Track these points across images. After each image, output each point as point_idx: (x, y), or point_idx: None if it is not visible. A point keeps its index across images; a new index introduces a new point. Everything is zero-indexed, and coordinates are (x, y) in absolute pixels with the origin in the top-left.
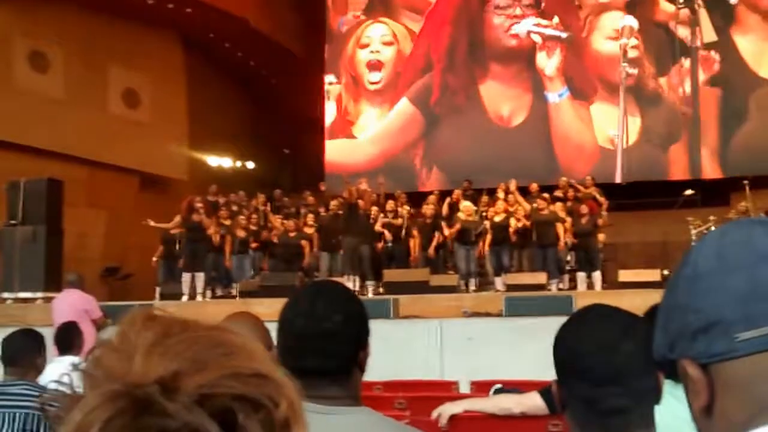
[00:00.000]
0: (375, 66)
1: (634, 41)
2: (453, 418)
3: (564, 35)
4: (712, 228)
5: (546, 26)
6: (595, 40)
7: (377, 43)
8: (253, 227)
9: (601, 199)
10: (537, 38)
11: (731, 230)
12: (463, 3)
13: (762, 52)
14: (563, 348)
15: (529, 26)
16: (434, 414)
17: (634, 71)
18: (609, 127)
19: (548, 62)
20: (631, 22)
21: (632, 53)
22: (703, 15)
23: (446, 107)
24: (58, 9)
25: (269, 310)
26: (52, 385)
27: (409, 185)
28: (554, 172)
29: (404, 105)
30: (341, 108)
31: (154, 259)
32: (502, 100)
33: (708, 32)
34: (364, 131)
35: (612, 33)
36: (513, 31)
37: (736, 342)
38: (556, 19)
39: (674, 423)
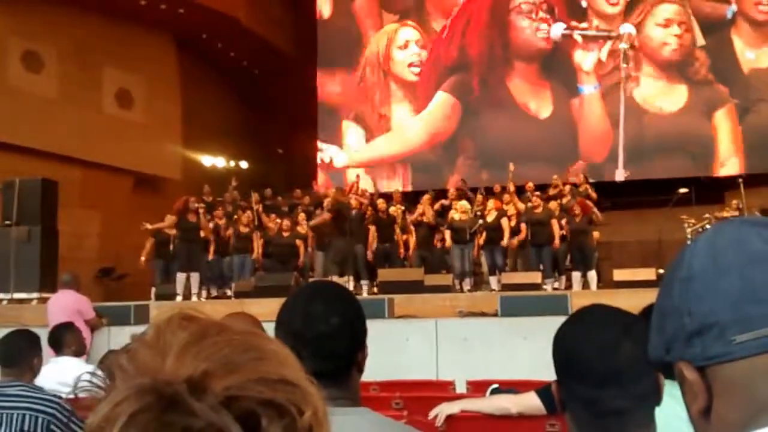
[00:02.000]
0: (416, 65)
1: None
2: (450, 418)
3: (614, 33)
4: (707, 226)
5: (586, 28)
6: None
7: (413, 44)
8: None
9: (593, 194)
10: (578, 38)
11: (724, 230)
12: (492, 8)
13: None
14: (563, 348)
15: (562, 30)
16: (432, 414)
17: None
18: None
19: (586, 59)
20: (630, 29)
21: (677, 30)
22: (694, 21)
23: (484, 102)
24: (52, 9)
25: (264, 310)
26: (49, 387)
27: (441, 179)
28: (576, 155)
29: (443, 99)
30: (373, 105)
31: (143, 258)
32: (528, 95)
33: (698, 37)
34: (400, 127)
35: (662, 21)
36: (545, 34)
37: (733, 345)
38: (595, 22)
39: (673, 423)
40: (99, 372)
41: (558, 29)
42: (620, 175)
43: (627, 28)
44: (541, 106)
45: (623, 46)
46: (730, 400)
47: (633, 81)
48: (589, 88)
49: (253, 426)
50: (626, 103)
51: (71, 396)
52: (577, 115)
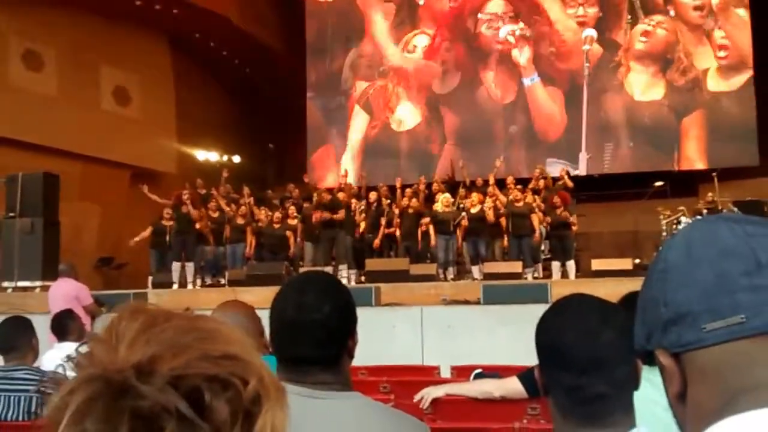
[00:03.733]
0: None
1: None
2: (435, 401)
3: (528, 33)
4: (682, 218)
5: (513, 30)
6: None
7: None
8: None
9: (569, 183)
10: (511, 39)
11: (699, 226)
12: (467, 16)
13: None
14: (545, 337)
15: (505, 32)
16: (417, 397)
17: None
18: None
19: (521, 56)
20: (591, 32)
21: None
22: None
23: (459, 93)
24: (51, 10)
25: (256, 297)
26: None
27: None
28: (534, 137)
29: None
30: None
31: (136, 239)
32: (495, 85)
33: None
34: (402, 123)
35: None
36: (499, 37)
37: (704, 332)
38: (521, 24)
39: (650, 407)
40: (60, 369)
41: (504, 31)
42: (583, 159)
43: (589, 32)
44: (507, 98)
45: (586, 47)
46: (704, 385)
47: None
48: (528, 81)
49: (199, 402)
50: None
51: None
52: (532, 103)
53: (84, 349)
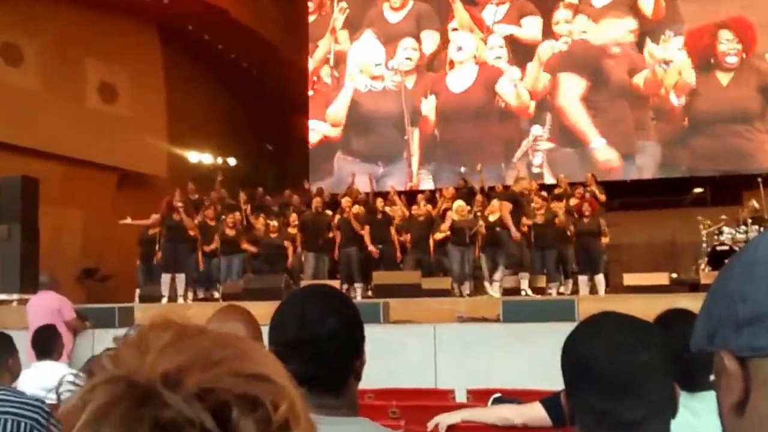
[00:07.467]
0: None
1: None
2: (451, 428)
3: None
4: (724, 228)
5: None
6: None
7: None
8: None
9: (602, 197)
10: None
11: None
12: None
13: None
14: (574, 357)
15: None
16: (431, 424)
17: None
18: None
19: None
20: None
21: None
22: None
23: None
24: (32, 1)
25: (253, 313)
26: (31, 392)
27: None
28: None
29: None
30: None
31: (138, 262)
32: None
33: None
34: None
35: None
36: None
37: None
38: None
39: None
40: (82, 375)
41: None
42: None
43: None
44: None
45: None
46: None
47: None
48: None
49: (226, 418)
50: None
51: (55, 402)
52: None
53: (111, 352)
